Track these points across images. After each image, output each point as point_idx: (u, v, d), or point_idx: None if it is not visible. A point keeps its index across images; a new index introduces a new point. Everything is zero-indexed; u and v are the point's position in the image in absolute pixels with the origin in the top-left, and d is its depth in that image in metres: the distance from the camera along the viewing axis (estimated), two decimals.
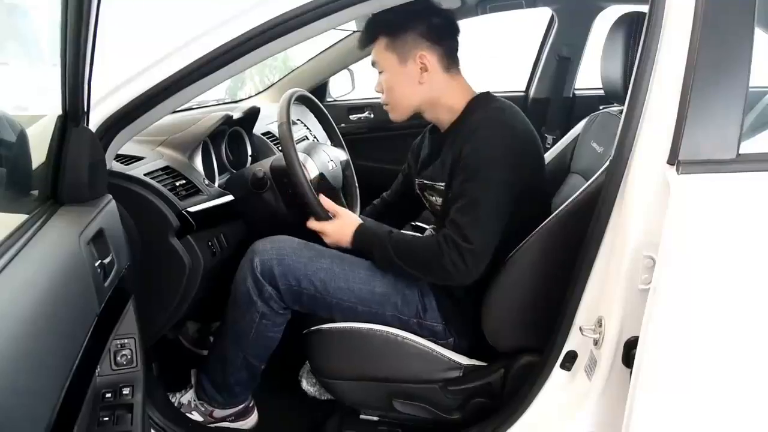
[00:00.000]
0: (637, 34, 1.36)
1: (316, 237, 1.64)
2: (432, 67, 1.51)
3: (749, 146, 1.08)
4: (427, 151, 1.67)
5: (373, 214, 1.90)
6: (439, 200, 1.57)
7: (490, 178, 1.40)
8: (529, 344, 1.45)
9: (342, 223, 1.58)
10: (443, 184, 1.52)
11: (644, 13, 1.36)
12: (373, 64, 1.59)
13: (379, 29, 1.54)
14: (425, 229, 2.14)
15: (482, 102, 1.53)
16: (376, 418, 1.65)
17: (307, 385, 1.72)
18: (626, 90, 1.36)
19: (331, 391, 1.62)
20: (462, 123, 1.51)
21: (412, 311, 1.52)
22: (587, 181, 1.35)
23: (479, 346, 1.53)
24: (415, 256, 1.47)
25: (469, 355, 1.54)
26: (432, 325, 1.53)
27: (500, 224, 1.40)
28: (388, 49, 1.53)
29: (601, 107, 1.74)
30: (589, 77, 2.99)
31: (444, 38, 1.53)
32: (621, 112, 1.50)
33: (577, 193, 1.33)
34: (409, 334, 1.52)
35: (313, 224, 1.59)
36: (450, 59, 1.54)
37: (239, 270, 1.54)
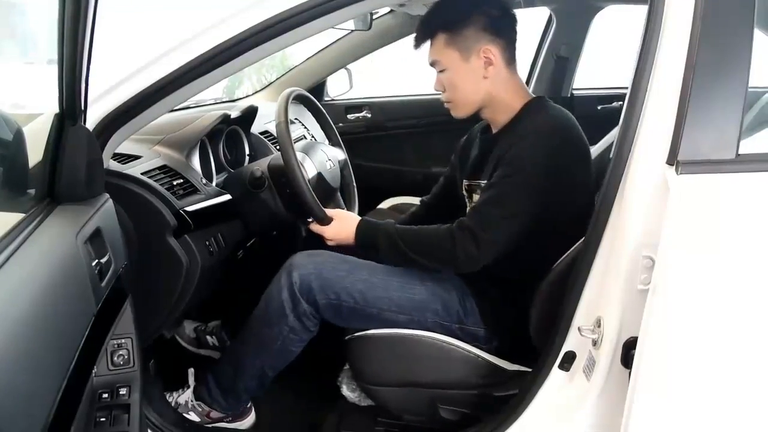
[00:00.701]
0: None
1: (317, 239, 1.64)
2: (496, 60, 1.47)
3: (748, 146, 1.08)
4: (477, 152, 1.63)
5: (414, 220, 1.85)
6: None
7: (527, 182, 1.38)
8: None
9: (341, 223, 1.57)
10: (484, 181, 1.50)
11: None
12: (432, 63, 1.53)
13: (436, 26, 1.49)
14: None
15: (538, 107, 1.50)
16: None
17: (347, 391, 1.68)
18: None
19: (373, 397, 1.60)
20: (516, 125, 1.49)
21: (453, 317, 1.50)
22: None
23: (520, 351, 1.51)
24: (424, 243, 1.47)
25: (513, 361, 1.52)
26: (474, 330, 1.51)
27: (521, 228, 1.40)
28: (448, 45, 1.48)
29: (599, 107, 1.74)
30: (587, 77, 2.99)
31: (504, 30, 1.50)
32: None
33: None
34: (454, 339, 1.50)
35: (313, 227, 1.58)
36: (510, 53, 1.51)
37: (275, 282, 1.52)
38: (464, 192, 1.65)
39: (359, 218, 1.57)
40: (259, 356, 1.56)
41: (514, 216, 1.39)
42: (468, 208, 1.59)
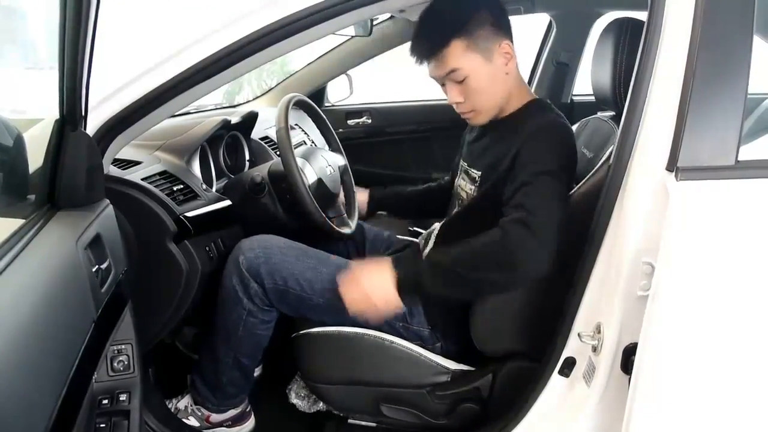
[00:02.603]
0: (626, 39, 1.36)
1: (313, 241, 1.64)
2: (513, 54, 1.42)
3: (748, 153, 1.08)
4: (474, 135, 1.61)
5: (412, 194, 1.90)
6: (469, 187, 1.52)
7: (554, 173, 1.30)
8: (518, 349, 1.45)
9: (369, 274, 1.37)
10: (479, 173, 1.49)
11: (634, 20, 1.37)
12: (448, 74, 1.41)
13: (449, 34, 1.38)
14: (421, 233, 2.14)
15: (543, 106, 1.47)
16: (373, 424, 1.64)
17: (296, 398, 1.71)
18: (615, 95, 1.38)
19: (319, 395, 1.62)
20: (520, 121, 1.44)
21: (398, 316, 1.50)
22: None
23: (467, 351, 1.52)
24: (476, 252, 1.30)
25: (458, 360, 1.53)
26: (418, 329, 1.52)
27: (563, 214, 1.28)
28: (469, 50, 1.38)
29: (598, 113, 1.74)
30: (587, 83, 2.99)
31: (507, 23, 1.44)
32: (612, 117, 1.51)
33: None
34: (397, 338, 1.51)
35: (343, 292, 1.38)
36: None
37: (225, 267, 1.53)
38: (461, 172, 1.61)
39: (387, 259, 1.39)
40: (230, 345, 1.57)
41: (554, 199, 1.28)
42: (458, 193, 1.59)
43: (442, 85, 1.46)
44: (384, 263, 1.36)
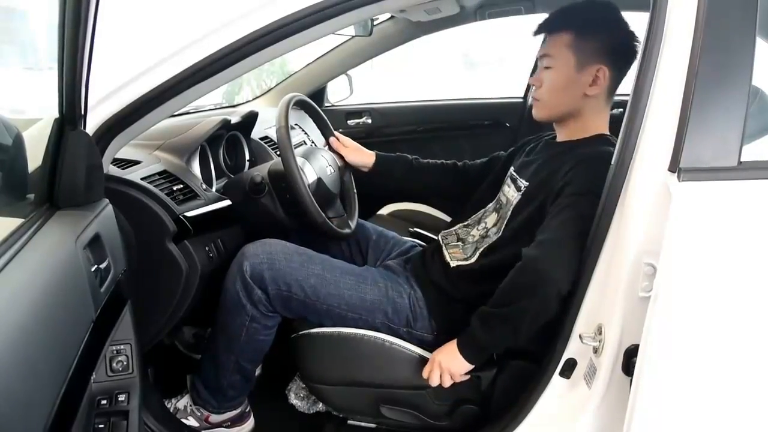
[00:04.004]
0: None
1: (312, 243, 1.63)
2: (602, 84, 1.43)
3: (751, 154, 1.07)
4: (535, 150, 1.62)
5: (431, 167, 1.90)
6: (512, 194, 1.53)
7: (589, 196, 1.29)
8: (518, 350, 1.45)
9: (443, 356, 1.41)
10: (526, 183, 1.49)
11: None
12: (543, 56, 1.47)
13: (568, 23, 1.43)
14: (425, 235, 2.14)
15: (606, 141, 1.46)
16: (373, 426, 1.64)
17: (295, 399, 1.71)
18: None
19: (318, 396, 1.62)
20: (583, 146, 1.45)
21: (402, 320, 1.52)
22: None
23: None
24: (505, 291, 1.33)
25: None
26: (421, 335, 1.52)
27: (585, 230, 1.28)
28: (570, 47, 1.42)
29: None
30: None
31: (622, 60, 1.44)
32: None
33: None
34: (398, 339, 1.51)
35: (428, 376, 1.42)
36: (615, 84, 1.45)
37: (229, 273, 1.53)
38: (507, 178, 1.62)
39: (453, 343, 1.41)
40: (231, 350, 1.56)
41: (579, 219, 1.29)
42: (498, 203, 1.59)
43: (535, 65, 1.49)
44: (452, 346, 1.40)
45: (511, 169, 1.63)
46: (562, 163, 1.41)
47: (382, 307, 1.51)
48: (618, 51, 1.42)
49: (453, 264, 1.56)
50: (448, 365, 1.39)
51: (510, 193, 1.55)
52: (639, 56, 1.14)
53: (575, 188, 1.33)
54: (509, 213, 1.50)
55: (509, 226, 1.48)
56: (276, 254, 1.52)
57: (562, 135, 1.55)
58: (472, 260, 1.52)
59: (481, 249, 1.52)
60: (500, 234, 1.50)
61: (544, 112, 1.51)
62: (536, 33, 1.50)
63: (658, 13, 1.09)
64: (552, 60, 1.45)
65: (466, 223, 1.69)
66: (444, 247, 1.64)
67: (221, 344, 1.57)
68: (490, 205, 1.65)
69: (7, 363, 0.73)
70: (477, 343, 1.37)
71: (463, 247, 1.61)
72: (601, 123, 1.49)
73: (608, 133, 1.50)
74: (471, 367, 1.40)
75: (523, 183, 1.51)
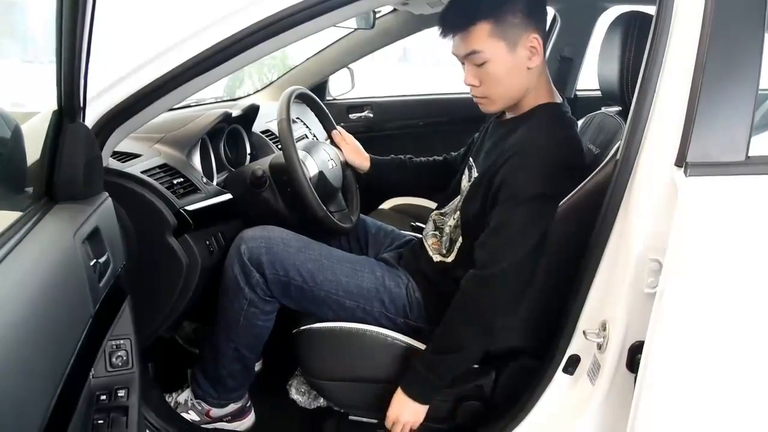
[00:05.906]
0: (634, 33, 1.33)
1: (313, 237, 1.62)
2: (540, 49, 1.36)
3: (758, 148, 1.06)
4: (488, 133, 1.60)
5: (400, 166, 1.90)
6: (465, 185, 1.53)
7: (532, 200, 1.30)
8: (521, 346, 1.45)
9: (397, 411, 1.43)
10: (476, 174, 1.48)
11: (642, 13, 1.35)
12: (468, 55, 1.37)
13: (478, 15, 1.34)
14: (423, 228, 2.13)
15: (548, 109, 1.44)
16: (374, 421, 1.63)
17: (296, 394, 1.71)
18: (622, 90, 1.35)
19: (320, 391, 1.61)
20: (525, 121, 1.43)
21: (400, 310, 1.51)
22: None
23: None
24: (445, 326, 1.38)
25: None
26: (416, 325, 1.52)
27: (533, 243, 1.30)
28: (493, 35, 1.34)
29: (603, 108, 1.72)
30: (591, 78, 2.97)
31: (542, 16, 1.39)
32: (618, 112, 1.49)
33: (569, 196, 1.29)
34: (399, 334, 1.50)
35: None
36: (545, 41, 1.39)
37: (228, 256, 1.53)
38: (465, 167, 1.61)
39: (399, 391, 1.43)
40: (230, 337, 1.56)
41: (522, 236, 1.30)
42: (459, 197, 1.57)
43: (462, 63, 1.43)
44: (400, 395, 1.42)
45: (470, 157, 1.61)
46: (503, 151, 1.38)
47: (379, 295, 1.51)
48: (534, 10, 1.37)
49: (436, 259, 1.56)
50: (408, 418, 1.42)
51: (464, 184, 1.54)
52: (646, 50, 1.12)
53: (511, 191, 1.31)
54: (460, 206, 1.50)
55: (463, 220, 1.48)
56: (274, 239, 1.52)
57: (511, 111, 1.50)
58: (450, 258, 1.52)
59: (458, 244, 1.50)
60: (460, 228, 1.49)
61: (495, 106, 1.45)
62: (445, 36, 1.41)
63: (665, 6, 1.08)
64: (482, 55, 1.36)
65: (442, 211, 1.69)
66: (424, 239, 1.64)
67: (221, 331, 1.57)
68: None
69: (4, 359, 0.72)
70: (435, 387, 1.41)
71: (441, 237, 1.60)
72: (544, 89, 1.45)
73: (552, 100, 1.46)
74: (426, 407, 1.42)
75: (474, 173, 1.50)
